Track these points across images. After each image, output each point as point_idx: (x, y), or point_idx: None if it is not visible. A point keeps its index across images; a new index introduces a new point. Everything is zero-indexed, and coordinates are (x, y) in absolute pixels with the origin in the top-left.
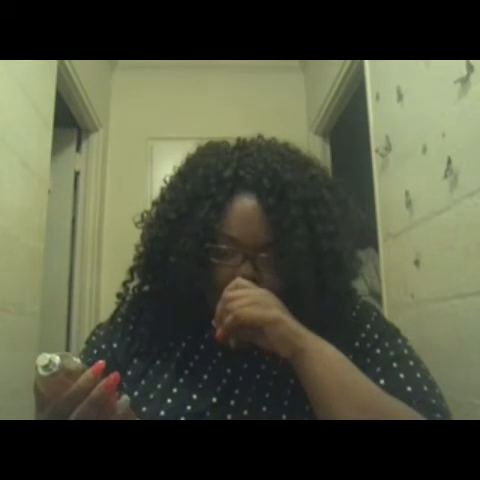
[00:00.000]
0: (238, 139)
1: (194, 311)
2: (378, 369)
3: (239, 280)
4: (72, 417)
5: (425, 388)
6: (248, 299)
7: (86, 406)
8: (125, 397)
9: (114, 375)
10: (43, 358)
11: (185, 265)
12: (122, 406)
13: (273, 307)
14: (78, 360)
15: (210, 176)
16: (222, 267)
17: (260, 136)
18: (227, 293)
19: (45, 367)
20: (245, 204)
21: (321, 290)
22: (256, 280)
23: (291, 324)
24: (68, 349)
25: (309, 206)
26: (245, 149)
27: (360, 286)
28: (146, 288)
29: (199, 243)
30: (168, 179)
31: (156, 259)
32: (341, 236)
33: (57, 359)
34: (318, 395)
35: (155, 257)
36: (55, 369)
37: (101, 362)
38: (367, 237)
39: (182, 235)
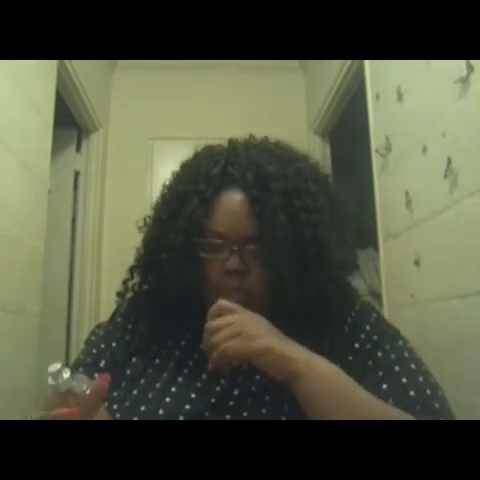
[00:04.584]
0: (230, 140)
1: (191, 309)
2: (380, 373)
3: (221, 303)
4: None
5: (428, 392)
6: (232, 329)
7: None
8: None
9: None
10: (54, 366)
11: (175, 261)
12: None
13: (259, 335)
14: (89, 389)
15: (200, 175)
16: (211, 261)
17: (251, 136)
18: (210, 323)
19: (54, 375)
20: (231, 199)
21: (307, 280)
22: (244, 273)
23: (280, 349)
24: (68, 349)
25: (292, 197)
26: (235, 149)
27: (360, 286)
28: (145, 287)
29: (188, 238)
30: (166, 183)
31: (151, 257)
32: (327, 226)
33: (67, 374)
34: (316, 416)
35: (150, 256)
36: (61, 382)
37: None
38: (367, 236)
39: (172, 232)
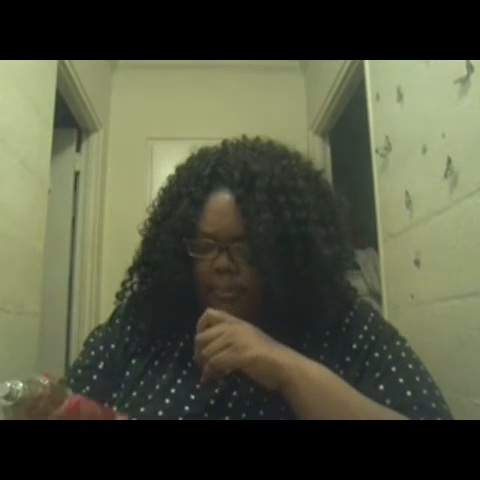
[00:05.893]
0: (223, 141)
1: (188, 310)
2: (377, 374)
3: (209, 313)
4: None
5: (424, 392)
6: (220, 341)
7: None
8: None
9: (75, 401)
10: (3, 387)
11: (168, 261)
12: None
13: (248, 345)
14: (46, 381)
15: (191, 176)
16: (202, 261)
17: (244, 136)
18: (199, 335)
19: (8, 396)
20: (219, 199)
21: (294, 277)
22: (233, 271)
23: (270, 357)
24: (68, 349)
25: (277, 193)
26: (225, 149)
27: (360, 286)
28: (143, 288)
29: (179, 239)
30: (162, 186)
31: (147, 259)
32: (315, 223)
33: (19, 385)
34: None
35: (146, 257)
36: (19, 395)
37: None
38: (363, 234)
39: (165, 233)
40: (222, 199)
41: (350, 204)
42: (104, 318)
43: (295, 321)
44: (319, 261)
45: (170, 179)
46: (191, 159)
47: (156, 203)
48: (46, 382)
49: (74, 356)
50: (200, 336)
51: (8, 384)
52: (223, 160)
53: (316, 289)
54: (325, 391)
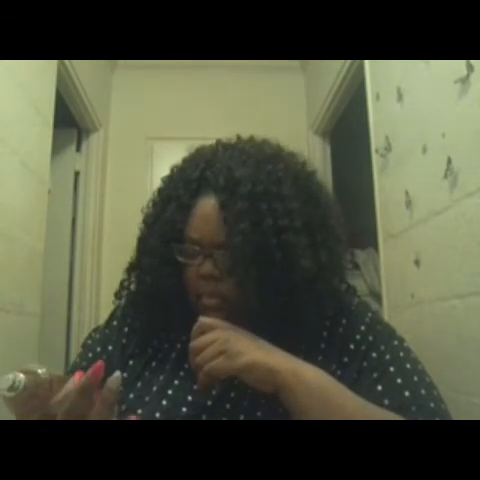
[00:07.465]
0: (216, 142)
1: (184, 311)
2: (375, 375)
3: (202, 320)
4: (63, 413)
5: (423, 392)
6: (214, 348)
7: (77, 397)
8: (117, 373)
9: (99, 362)
10: (6, 380)
11: (156, 265)
12: (113, 382)
13: (243, 351)
14: (43, 370)
15: (181, 179)
16: (189, 266)
17: (238, 136)
18: (194, 343)
19: (11, 388)
20: (205, 204)
21: (274, 286)
22: (218, 278)
23: (265, 363)
24: (68, 349)
25: (259, 200)
26: (216, 151)
27: (360, 286)
28: (139, 288)
29: (166, 243)
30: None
31: (140, 261)
32: (297, 230)
33: (20, 376)
34: None
35: (139, 259)
36: (21, 386)
37: (100, 364)
38: (366, 235)
39: (154, 236)
40: (207, 204)
41: (339, 208)
42: (104, 318)
43: (285, 326)
44: (300, 270)
45: (164, 180)
46: (185, 160)
47: (150, 204)
48: (43, 370)
49: (74, 356)
50: (193, 344)
51: (10, 376)
52: (212, 163)
53: (298, 298)
54: (321, 394)
